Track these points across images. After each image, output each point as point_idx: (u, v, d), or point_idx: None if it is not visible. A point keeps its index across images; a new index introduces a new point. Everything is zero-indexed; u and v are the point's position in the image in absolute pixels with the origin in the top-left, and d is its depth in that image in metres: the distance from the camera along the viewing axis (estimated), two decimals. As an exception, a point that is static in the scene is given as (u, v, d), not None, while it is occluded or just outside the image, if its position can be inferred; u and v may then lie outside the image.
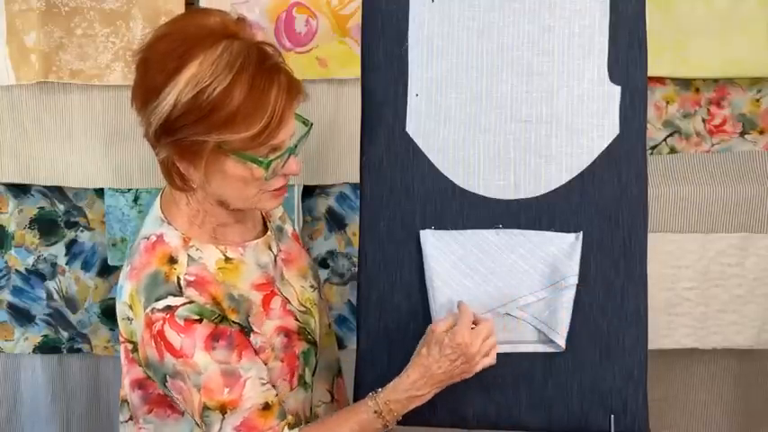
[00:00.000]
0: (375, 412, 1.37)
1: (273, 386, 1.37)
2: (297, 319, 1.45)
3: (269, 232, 1.50)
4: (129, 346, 1.39)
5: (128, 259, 1.41)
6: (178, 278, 1.34)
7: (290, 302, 1.46)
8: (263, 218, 1.52)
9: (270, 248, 1.48)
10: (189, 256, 1.36)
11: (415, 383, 1.37)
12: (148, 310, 1.32)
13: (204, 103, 1.25)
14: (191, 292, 1.33)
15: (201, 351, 1.30)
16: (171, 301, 1.31)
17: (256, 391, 1.34)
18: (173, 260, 1.35)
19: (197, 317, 1.31)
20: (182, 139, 1.28)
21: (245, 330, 1.37)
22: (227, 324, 1.34)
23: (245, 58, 1.27)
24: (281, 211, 1.59)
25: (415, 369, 1.38)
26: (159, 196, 1.44)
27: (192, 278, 1.34)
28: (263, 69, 1.28)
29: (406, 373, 1.38)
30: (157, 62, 1.29)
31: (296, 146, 1.35)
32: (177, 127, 1.27)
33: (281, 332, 1.42)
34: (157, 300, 1.32)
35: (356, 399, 1.51)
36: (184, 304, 1.31)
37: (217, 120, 1.26)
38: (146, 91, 1.30)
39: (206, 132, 1.27)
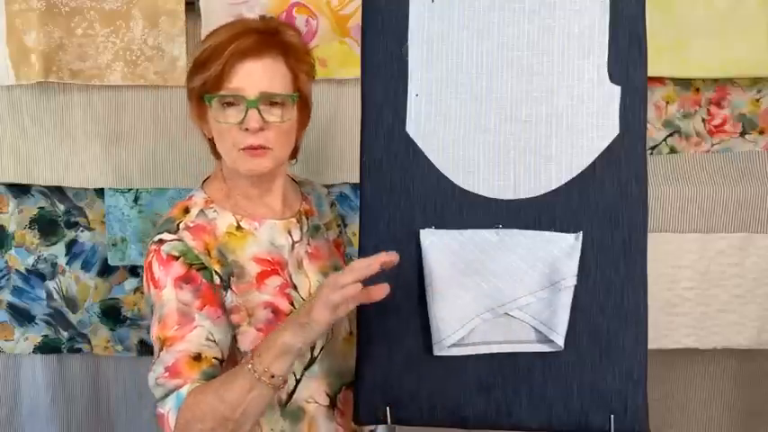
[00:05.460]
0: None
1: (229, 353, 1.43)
2: (292, 304, 1.49)
3: (293, 219, 1.57)
4: None
5: None
6: (179, 222, 1.48)
7: (295, 289, 1.50)
8: (305, 213, 1.60)
9: (290, 233, 1.55)
10: (202, 211, 1.50)
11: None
12: (149, 241, 1.48)
13: (194, 55, 1.49)
14: (183, 234, 1.46)
15: (170, 287, 1.42)
16: (164, 236, 1.45)
17: (199, 341, 1.39)
18: (186, 210, 1.50)
19: (177, 254, 1.43)
20: (188, 90, 1.50)
21: (223, 284, 1.45)
22: (204, 275, 1.43)
23: (242, 22, 1.50)
24: (329, 216, 1.68)
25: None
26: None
27: (191, 224, 1.48)
28: (237, 24, 1.49)
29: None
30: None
31: (256, 100, 1.43)
32: (186, 79, 1.51)
33: (268, 307, 1.47)
34: (157, 234, 1.46)
35: (356, 399, 1.51)
36: (173, 241, 1.45)
37: (192, 67, 1.48)
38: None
39: (189, 80, 1.49)
